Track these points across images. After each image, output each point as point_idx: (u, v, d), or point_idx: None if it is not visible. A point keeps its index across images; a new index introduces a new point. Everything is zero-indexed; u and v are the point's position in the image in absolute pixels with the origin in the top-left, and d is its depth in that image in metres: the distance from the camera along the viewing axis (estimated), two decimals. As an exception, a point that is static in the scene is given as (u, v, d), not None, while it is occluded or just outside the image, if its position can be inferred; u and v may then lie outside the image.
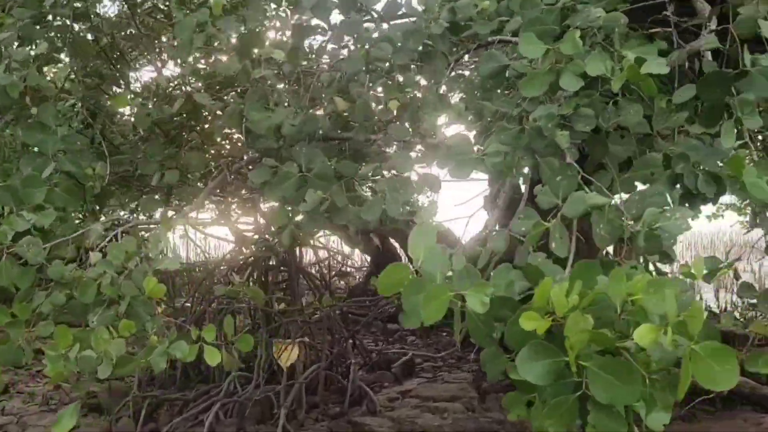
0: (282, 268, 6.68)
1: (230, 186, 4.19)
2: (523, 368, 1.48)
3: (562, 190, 1.93)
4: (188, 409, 5.77)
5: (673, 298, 1.38)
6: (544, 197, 1.99)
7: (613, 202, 1.94)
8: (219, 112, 3.29)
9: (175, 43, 3.21)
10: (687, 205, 2.24)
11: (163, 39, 4.54)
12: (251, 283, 5.98)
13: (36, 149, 2.97)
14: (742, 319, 11.52)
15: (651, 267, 3.13)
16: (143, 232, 3.36)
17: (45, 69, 3.59)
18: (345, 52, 2.81)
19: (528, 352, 1.49)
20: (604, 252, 2.69)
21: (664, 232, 1.77)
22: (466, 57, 2.98)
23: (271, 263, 6.76)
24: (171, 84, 3.95)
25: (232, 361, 3.13)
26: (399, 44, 2.50)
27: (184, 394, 6.22)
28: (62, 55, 3.73)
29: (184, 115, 3.55)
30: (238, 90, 3.41)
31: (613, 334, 1.49)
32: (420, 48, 2.53)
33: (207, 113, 3.50)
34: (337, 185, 2.52)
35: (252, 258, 6.85)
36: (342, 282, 11.70)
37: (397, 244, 10.59)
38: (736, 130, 2.17)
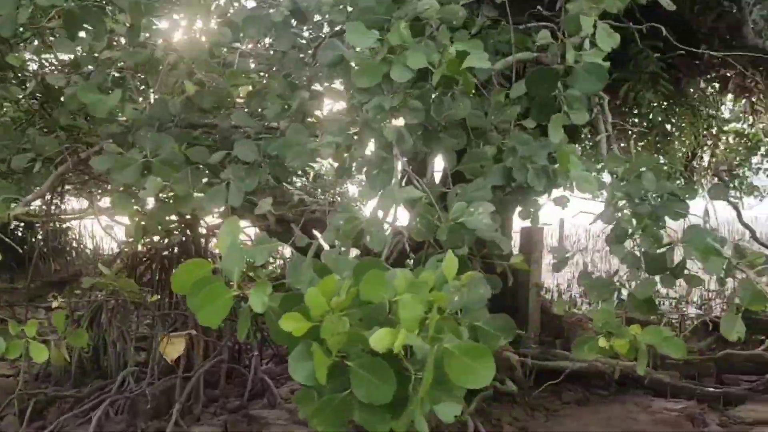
0: (183, 258, 6.51)
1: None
2: (294, 369, 1.47)
3: (379, 183, 1.92)
4: (79, 406, 5.59)
5: (418, 301, 1.37)
6: (364, 191, 1.97)
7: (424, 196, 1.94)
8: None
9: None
10: (520, 198, 2.28)
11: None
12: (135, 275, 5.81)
13: None
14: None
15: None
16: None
17: None
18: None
19: (298, 353, 1.47)
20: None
21: (467, 226, 1.78)
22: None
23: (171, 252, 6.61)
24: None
25: (59, 356, 2.99)
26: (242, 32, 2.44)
27: (79, 391, 6.03)
28: None
29: (39, 97, 3.37)
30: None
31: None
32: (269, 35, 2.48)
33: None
34: (182, 172, 2.44)
35: (153, 249, 6.68)
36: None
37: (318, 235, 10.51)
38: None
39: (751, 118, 8.61)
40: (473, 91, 2.44)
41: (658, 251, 2.56)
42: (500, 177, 2.25)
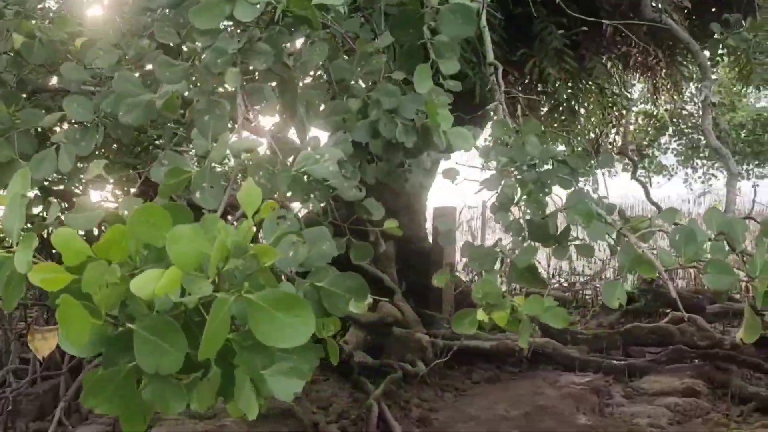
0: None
1: None
2: (65, 338, 1.19)
3: (212, 131, 1.68)
4: (-49, 409, 5.08)
5: (197, 234, 1.11)
6: (197, 141, 1.72)
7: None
8: None
9: None
10: (387, 156, 2.08)
11: None
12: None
13: None
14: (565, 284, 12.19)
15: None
16: None
17: None
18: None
19: (65, 315, 1.17)
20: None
21: (312, 174, 1.57)
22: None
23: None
24: None
25: None
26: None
27: (-47, 392, 5.49)
28: None
29: None
30: None
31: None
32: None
33: None
34: (8, 136, 2.12)
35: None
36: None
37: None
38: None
39: (654, 98, 8.81)
40: (342, 43, 2.24)
41: (542, 219, 2.42)
42: (365, 132, 2.05)
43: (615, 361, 6.53)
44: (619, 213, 2.46)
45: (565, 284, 11.94)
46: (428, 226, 8.41)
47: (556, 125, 6.98)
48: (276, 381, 1.49)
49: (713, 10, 6.62)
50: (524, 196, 2.49)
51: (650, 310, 8.94)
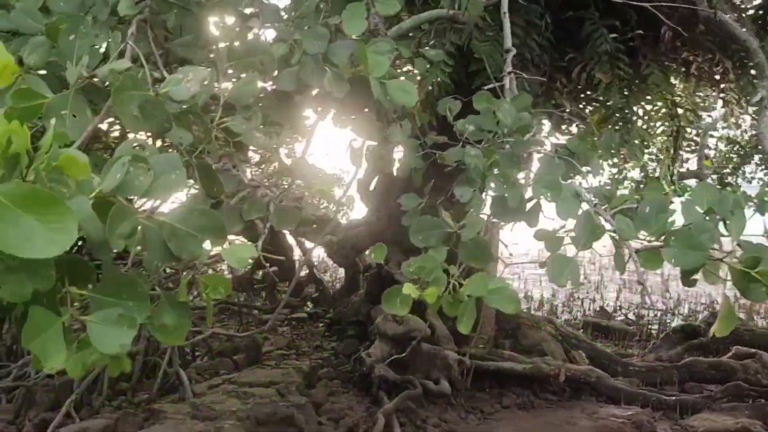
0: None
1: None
2: None
3: (77, 52, 1.49)
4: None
5: None
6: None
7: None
8: None
9: None
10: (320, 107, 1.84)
11: None
12: None
13: None
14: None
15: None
16: None
17: None
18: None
19: None
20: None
21: (171, 97, 1.35)
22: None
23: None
24: None
25: None
26: None
27: (-21, 378, 5.62)
28: None
29: None
30: None
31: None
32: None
33: None
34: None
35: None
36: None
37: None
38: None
39: (728, 114, 8.13)
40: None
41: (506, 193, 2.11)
42: (290, 80, 1.82)
43: (665, 396, 5.90)
44: (597, 192, 2.11)
45: (632, 317, 11.18)
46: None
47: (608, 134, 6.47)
48: (100, 330, 1.27)
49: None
50: (492, 170, 2.19)
51: (718, 346, 8.12)
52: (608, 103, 6.36)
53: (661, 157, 9.89)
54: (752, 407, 5.65)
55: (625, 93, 6.36)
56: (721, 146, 13.61)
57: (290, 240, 10.70)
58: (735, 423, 5.21)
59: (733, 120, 9.86)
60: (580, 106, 6.52)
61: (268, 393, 5.06)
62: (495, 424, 5.23)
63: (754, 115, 9.19)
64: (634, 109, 6.31)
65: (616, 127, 6.42)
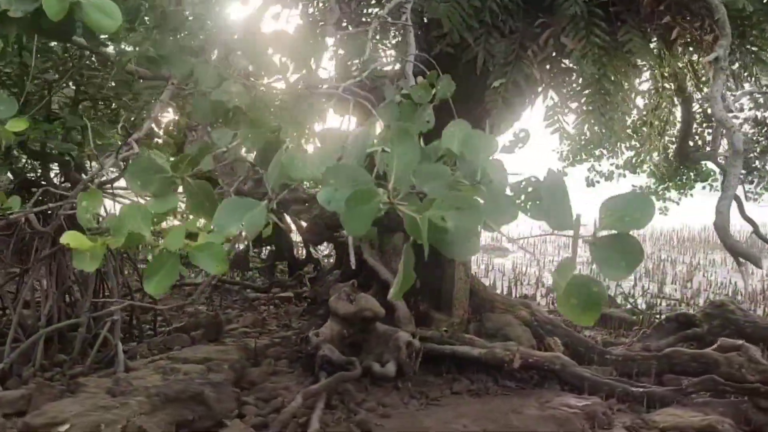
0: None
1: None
2: None
3: None
4: None
5: None
6: None
7: None
8: None
9: None
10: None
11: None
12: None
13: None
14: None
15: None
16: None
17: None
18: None
19: None
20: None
21: None
22: None
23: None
24: None
25: None
26: None
27: None
28: None
29: None
30: None
31: None
32: None
33: None
34: None
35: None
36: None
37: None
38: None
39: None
40: None
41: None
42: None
43: (633, 388, 5.48)
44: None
45: (637, 306, 10.64)
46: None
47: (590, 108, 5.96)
48: None
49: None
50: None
51: (714, 338, 7.58)
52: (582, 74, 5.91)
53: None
54: (728, 404, 5.19)
55: (603, 62, 5.87)
56: (747, 128, 12.82)
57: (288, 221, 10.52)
58: (701, 420, 4.78)
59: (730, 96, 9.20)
60: (552, 75, 6.06)
61: (197, 370, 4.87)
62: (435, 410, 4.92)
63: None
64: (613, 79, 5.81)
65: (590, 101, 5.97)
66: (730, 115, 9.72)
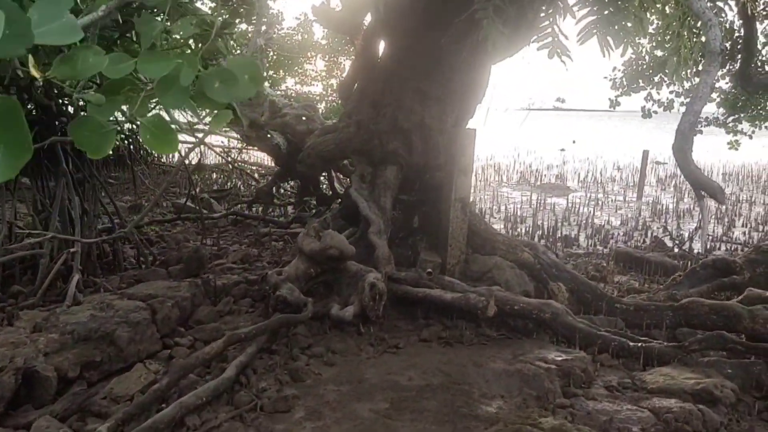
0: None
1: None
2: None
3: None
4: None
5: None
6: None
7: None
8: None
9: None
10: None
11: None
12: None
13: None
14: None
15: None
16: None
17: None
18: None
19: None
20: None
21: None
22: None
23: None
24: None
25: None
26: None
27: None
28: None
29: None
30: None
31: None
32: None
33: None
34: None
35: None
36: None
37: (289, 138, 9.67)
38: None
39: None
40: None
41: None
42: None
43: (632, 342, 4.75)
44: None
45: (684, 250, 9.58)
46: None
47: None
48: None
49: None
50: None
51: (756, 287, 6.61)
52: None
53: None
54: (739, 365, 4.39)
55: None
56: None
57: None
58: (695, 384, 4.04)
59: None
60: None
61: (132, 307, 4.52)
62: (387, 358, 4.40)
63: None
64: None
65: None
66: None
